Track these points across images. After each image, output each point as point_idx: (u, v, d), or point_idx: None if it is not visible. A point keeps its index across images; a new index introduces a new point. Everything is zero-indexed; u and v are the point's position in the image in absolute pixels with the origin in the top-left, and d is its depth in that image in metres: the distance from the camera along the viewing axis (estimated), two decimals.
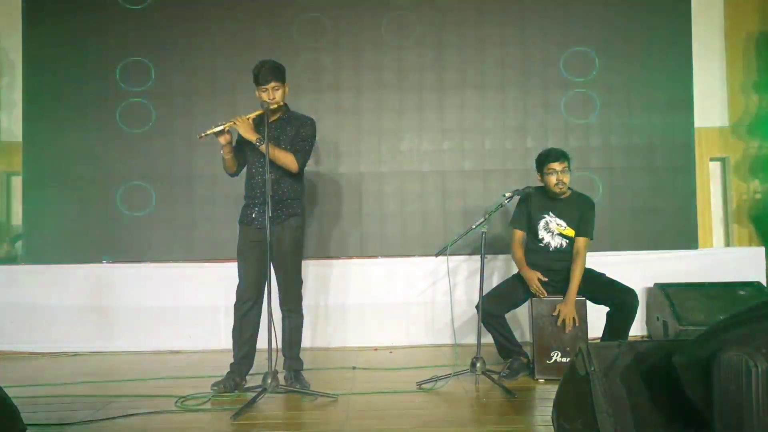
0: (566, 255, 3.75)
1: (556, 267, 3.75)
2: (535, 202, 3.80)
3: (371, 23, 5.03)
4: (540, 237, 3.79)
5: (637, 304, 3.58)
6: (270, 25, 5.02)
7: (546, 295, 3.63)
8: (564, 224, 3.75)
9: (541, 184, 3.79)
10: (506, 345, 3.70)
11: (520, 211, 3.87)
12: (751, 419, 1.64)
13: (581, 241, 3.71)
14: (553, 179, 3.67)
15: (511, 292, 3.75)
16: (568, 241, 3.76)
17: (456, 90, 5.03)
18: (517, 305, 3.80)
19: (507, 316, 3.75)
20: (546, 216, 3.78)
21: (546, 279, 3.68)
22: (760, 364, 1.63)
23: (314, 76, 5.00)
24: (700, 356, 1.77)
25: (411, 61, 5.03)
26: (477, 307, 3.63)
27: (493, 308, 3.64)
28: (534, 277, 3.65)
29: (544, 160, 3.71)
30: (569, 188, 3.80)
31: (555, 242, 3.78)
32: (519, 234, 3.86)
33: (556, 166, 3.65)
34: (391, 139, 5.02)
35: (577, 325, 3.56)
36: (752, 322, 1.78)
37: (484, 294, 3.62)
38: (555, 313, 3.58)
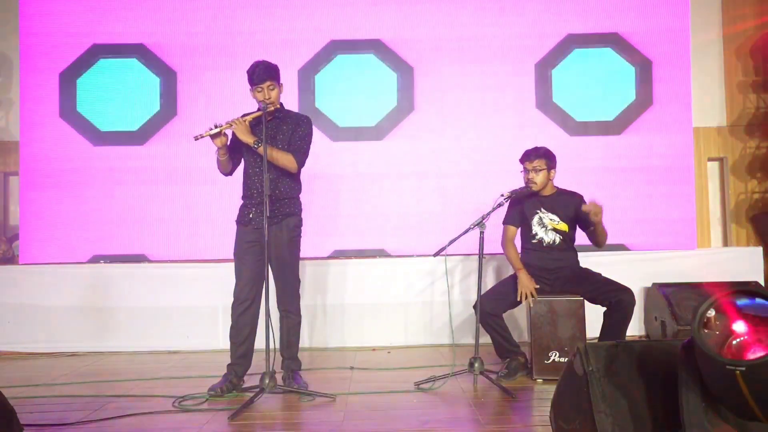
0: (559, 253, 3.77)
1: (550, 266, 3.75)
2: (528, 200, 3.84)
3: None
4: (534, 233, 3.81)
5: (634, 303, 3.59)
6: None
7: (535, 298, 3.63)
8: (557, 219, 3.79)
9: None
10: (504, 345, 3.70)
11: (513, 210, 3.91)
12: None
13: None
14: (525, 177, 3.79)
15: (510, 291, 3.74)
16: (561, 237, 3.78)
17: (454, 89, 5.03)
18: (515, 305, 3.79)
19: (505, 315, 3.74)
20: (539, 212, 3.81)
21: (538, 287, 3.67)
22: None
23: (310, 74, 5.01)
24: None
25: (409, 61, 5.04)
26: (475, 306, 3.63)
27: (491, 308, 3.64)
28: (531, 287, 3.62)
29: (521, 159, 3.83)
30: (556, 186, 3.85)
31: (548, 238, 3.79)
32: (512, 230, 3.88)
33: (527, 164, 3.78)
34: (389, 139, 5.02)
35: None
36: None
37: (482, 294, 3.62)
38: (586, 208, 3.56)
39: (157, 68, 5.01)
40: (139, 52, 5.02)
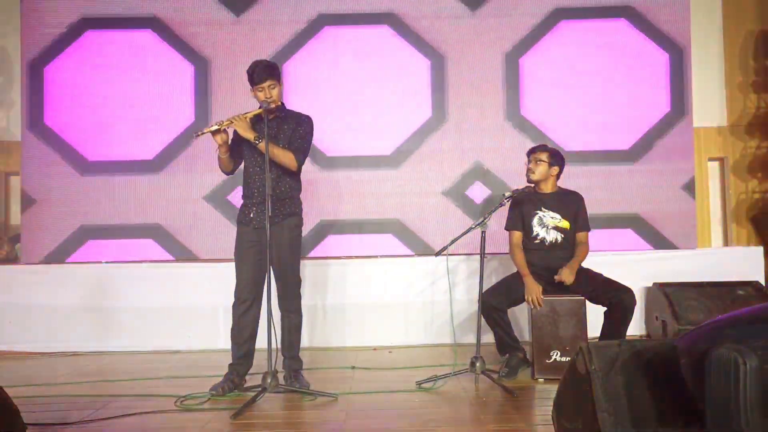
0: (562, 252, 3.77)
1: (552, 265, 3.75)
2: (527, 201, 3.86)
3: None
4: (534, 233, 3.82)
5: (634, 304, 3.59)
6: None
7: (541, 305, 3.63)
8: (558, 216, 3.81)
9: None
10: (506, 339, 3.68)
11: (513, 213, 3.92)
12: (739, 416, 1.63)
13: (582, 235, 3.83)
14: (526, 168, 3.88)
15: (514, 288, 3.73)
16: (563, 236, 3.79)
17: (454, 88, 5.03)
18: (518, 302, 3.77)
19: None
20: (539, 212, 3.82)
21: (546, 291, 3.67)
22: (750, 361, 1.63)
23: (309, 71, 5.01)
24: (698, 351, 1.77)
25: (408, 59, 5.04)
26: (479, 300, 3.61)
27: (497, 302, 3.63)
28: (537, 291, 3.62)
29: (527, 153, 3.93)
30: (558, 186, 3.87)
31: (550, 237, 3.80)
32: (517, 235, 3.88)
33: (529, 158, 3.88)
34: (388, 140, 5.02)
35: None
36: (750, 323, 1.78)
37: (487, 288, 3.63)
38: (557, 276, 3.64)
39: None
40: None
